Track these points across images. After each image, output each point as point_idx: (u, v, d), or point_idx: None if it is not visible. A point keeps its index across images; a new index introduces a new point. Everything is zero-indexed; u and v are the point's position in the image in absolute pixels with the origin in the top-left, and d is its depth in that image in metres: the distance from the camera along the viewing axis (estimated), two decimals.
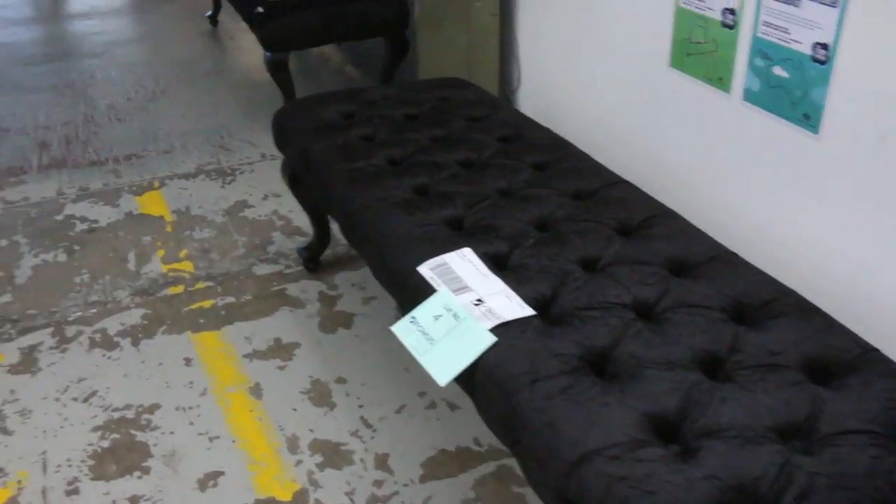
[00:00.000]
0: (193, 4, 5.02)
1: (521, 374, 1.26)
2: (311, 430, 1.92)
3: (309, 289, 2.42)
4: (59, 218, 2.86)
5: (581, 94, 2.44)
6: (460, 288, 1.44)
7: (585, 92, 2.42)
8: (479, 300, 1.40)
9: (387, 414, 1.96)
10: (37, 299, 2.44)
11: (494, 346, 1.31)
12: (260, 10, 3.14)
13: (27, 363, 2.18)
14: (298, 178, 2.25)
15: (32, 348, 2.24)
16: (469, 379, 1.33)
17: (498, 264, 1.54)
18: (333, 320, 2.28)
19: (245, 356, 2.16)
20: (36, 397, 2.07)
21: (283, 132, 2.20)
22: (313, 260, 2.46)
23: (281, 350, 2.18)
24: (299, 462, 1.84)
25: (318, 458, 1.85)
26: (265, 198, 2.93)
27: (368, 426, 1.93)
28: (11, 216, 2.87)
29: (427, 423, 1.93)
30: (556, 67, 2.55)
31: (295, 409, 1.98)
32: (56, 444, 1.92)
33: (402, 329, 1.40)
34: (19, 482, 1.83)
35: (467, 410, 1.96)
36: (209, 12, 4.72)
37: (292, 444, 1.89)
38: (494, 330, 1.34)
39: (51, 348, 2.24)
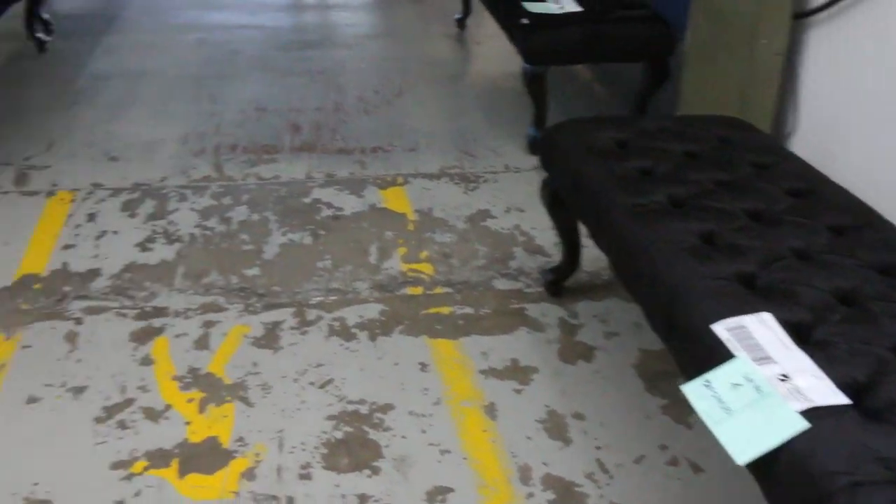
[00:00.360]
0: (443, 5, 5.12)
1: (838, 472, 1.12)
2: (544, 464, 1.86)
3: (549, 313, 2.36)
4: (307, 201, 2.97)
5: (871, 151, 2.23)
6: (762, 357, 1.32)
7: (879, 148, 2.20)
8: (784, 375, 1.28)
9: (624, 462, 1.86)
10: (282, 277, 2.53)
11: (805, 432, 1.19)
12: (525, 21, 3.12)
13: (270, 339, 2.26)
14: (559, 200, 2.19)
15: (275, 325, 2.32)
16: (767, 463, 1.21)
17: (799, 336, 1.40)
18: (573, 351, 2.21)
19: (481, 372, 2.13)
20: (276, 374, 2.13)
21: (552, 151, 2.15)
22: (557, 284, 2.40)
23: (518, 372, 2.13)
24: (530, 495, 1.78)
25: (551, 495, 1.78)
26: (507, 210, 2.90)
27: (605, 471, 1.84)
28: (264, 193, 3.02)
29: (667, 481, 1.81)
30: (842, 117, 2.35)
31: (529, 438, 1.93)
32: (293, 425, 1.97)
33: (694, 391, 1.30)
34: (257, 455, 1.89)
35: (712, 475, 1.82)
36: (458, 15, 4.78)
37: (524, 475, 1.83)
38: (804, 413, 1.21)
39: (292, 328, 2.31)
